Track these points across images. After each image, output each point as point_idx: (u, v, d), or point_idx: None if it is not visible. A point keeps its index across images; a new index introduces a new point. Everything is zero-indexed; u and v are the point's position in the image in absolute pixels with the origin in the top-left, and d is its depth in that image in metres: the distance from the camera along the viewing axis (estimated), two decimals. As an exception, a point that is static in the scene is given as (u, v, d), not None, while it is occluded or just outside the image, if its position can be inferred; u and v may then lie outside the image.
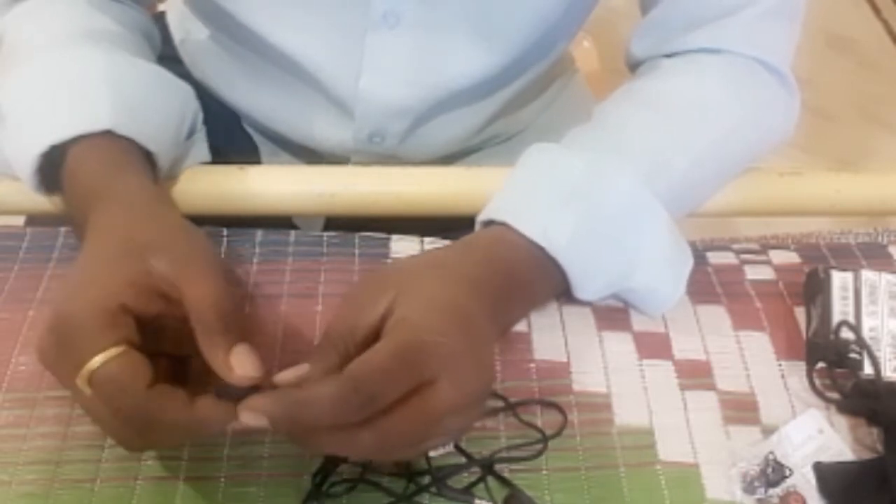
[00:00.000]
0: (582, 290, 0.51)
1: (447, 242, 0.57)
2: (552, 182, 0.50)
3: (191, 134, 0.58)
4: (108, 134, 0.49)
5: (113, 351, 0.38)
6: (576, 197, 0.49)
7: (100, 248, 0.44)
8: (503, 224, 0.49)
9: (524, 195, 0.50)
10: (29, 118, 0.50)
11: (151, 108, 0.52)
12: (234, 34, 0.65)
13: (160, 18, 0.77)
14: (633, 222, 0.50)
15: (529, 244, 0.48)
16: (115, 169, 0.48)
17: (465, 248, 0.48)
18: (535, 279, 0.49)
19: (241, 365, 0.40)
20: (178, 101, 0.56)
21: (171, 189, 0.56)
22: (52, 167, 0.50)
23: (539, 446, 0.47)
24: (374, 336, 0.41)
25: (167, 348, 0.43)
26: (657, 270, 0.51)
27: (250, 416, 0.38)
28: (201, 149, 0.59)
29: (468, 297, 0.43)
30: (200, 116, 0.59)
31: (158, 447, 0.45)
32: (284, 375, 0.40)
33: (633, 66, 0.64)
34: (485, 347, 0.43)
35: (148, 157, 0.51)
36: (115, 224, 0.44)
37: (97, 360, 0.38)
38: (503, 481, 0.46)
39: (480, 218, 0.51)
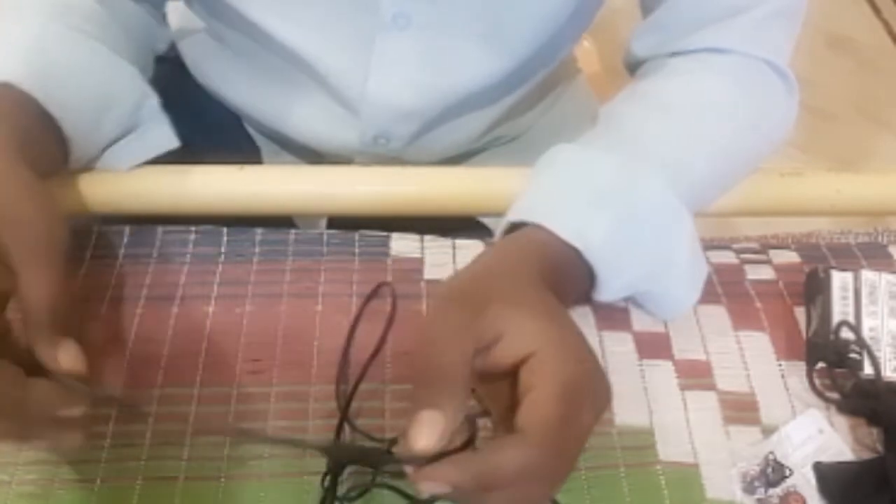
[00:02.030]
0: (605, 291, 0.50)
1: (447, 242, 0.57)
2: (584, 183, 0.49)
3: (135, 119, 0.55)
4: (5, 86, 0.46)
5: None
6: (609, 199, 0.48)
7: None
8: (537, 226, 0.47)
9: (556, 197, 0.49)
10: None
11: (71, 75, 0.50)
12: (241, 33, 0.65)
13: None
14: (662, 225, 0.50)
15: (563, 245, 0.46)
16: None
17: (519, 254, 0.46)
18: (569, 280, 0.48)
19: (66, 360, 0.39)
20: (110, 77, 0.53)
21: (171, 189, 0.56)
22: None
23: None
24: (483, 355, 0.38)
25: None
26: (679, 276, 0.51)
27: (432, 486, 0.36)
28: (159, 136, 0.56)
29: (553, 301, 0.42)
30: (153, 102, 0.56)
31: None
32: (421, 438, 0.36)
33: (633, 66, 0.64)
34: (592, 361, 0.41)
35: (52, 123, 0.48)
36: None
37: None
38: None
39: (510, 218, 0.49)
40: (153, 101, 0.56)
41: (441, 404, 0.36)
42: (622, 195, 0.49)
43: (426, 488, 0.36)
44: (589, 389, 0.38)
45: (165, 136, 0.57)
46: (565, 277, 0.46)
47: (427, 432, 0.35)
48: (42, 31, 0.50)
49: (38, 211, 0.41)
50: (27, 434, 0.40)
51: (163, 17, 0.67)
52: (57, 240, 0.41)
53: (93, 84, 0.52)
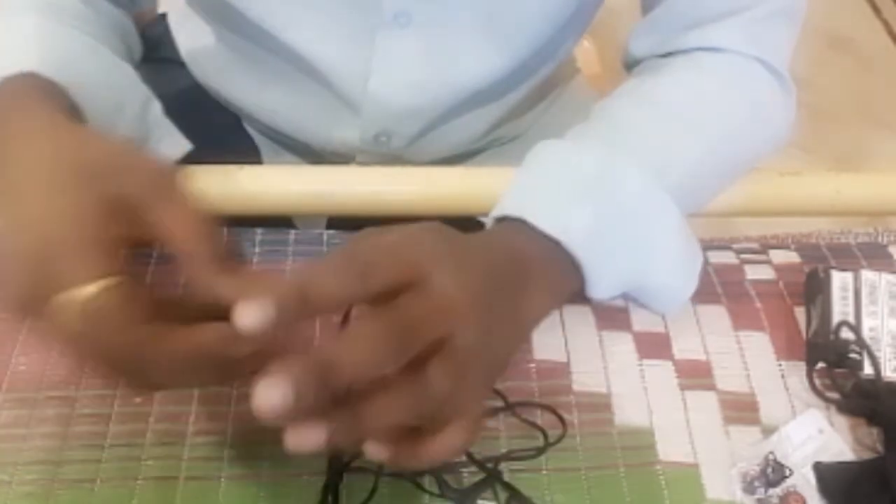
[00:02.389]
0: (596, 286, 0.50)
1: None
2: (567, 178, 0.50)
3: (144, 126, 0.54)
4: (31, 76, 0.45)
5: (111, 280, 0.35)
6: (591, 192, 0.49)
7: (45, 174, 0.38)
8: (518, 220, 0.48)
9: (538, 190, 0.50)
10: None
11: (84, 71, 0.49)
12: (241, 32, 0.64)
13: (161, 20, 0.77)
14: (647, 218, 0.50)
15: (546, 240, 0.47)
16: (38, 99, 0.44)
17: (482, 239, 0.47)
18: (552, 274, 0.48)
19: (252, 291, 0.33)
20: (118, 78, 0.53)
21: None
22: None
23: (539, 444, 0.47)
24: (377, 258, 0.37)
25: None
26: (670, 267, 0.51)
27: (266, 393, 0.32)
28: (173, 143, 0.55)
29: (489, 268, 0.42)
30: (157, 107, 0.55)
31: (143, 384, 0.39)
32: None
33: (631, 65, 0.64)
34: (491, 277, 0.41)
35: (79, 116, 0.47)
36: (48, 149, 0.40)
37: (92, 289, 0.34)
38: (505, 485, 0.46)
39: (493, 214, 0.50)
40: (157, 106, 0.56)
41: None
42: (604, 187, 0.49)
43: (260, 398, 0.32)
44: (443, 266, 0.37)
45: (178, 143, 0.57)
46: (542, 271, 0.47)
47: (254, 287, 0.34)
48: (51, 27, 0.49)
49: (146, 157, 0.40)
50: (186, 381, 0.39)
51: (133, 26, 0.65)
52: (176, 178, 0.40)
53: (105, 85, 0.51)
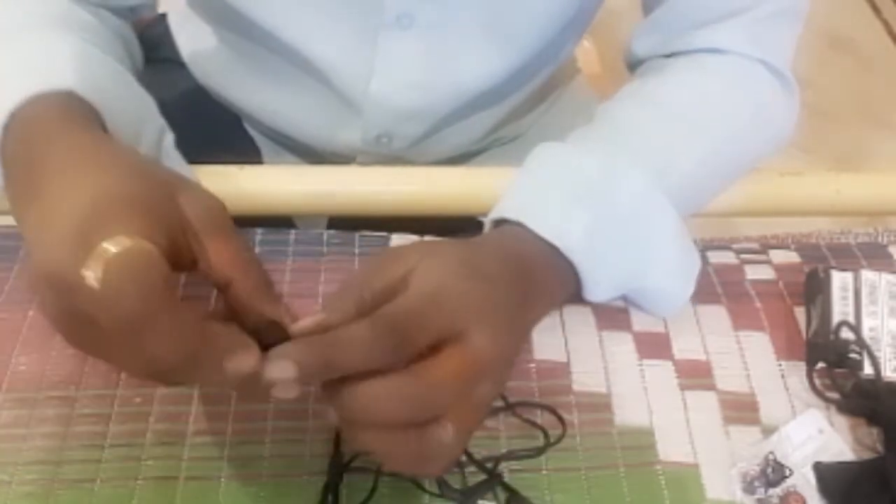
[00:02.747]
0: (593, 290, 0.50)
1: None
2: (564, 181, 0.50)
3: (156, 149, 0.53)
4: (70, 94, 0.44)
5: (138, 241, 0.34)
6: (589, 196, 0.49)
7: (92, 203, 0.36)
8: (515, 223, 0.48)
9: (536, 194, 0.50)
10: None
11: (113, 95, 0.47)
12: (243, 33, 0.64)
13: (161, 20, 0.77)
14: (645, 222, 0.50)
15: (542, 243, 0.47)
16: (83, 120, 0.43)
17: (478, 247, 0.46)
18: (549, 278, 0.48)
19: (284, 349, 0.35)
20: (141, 106, 0.52)
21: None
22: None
23: (539, 444, 0.47)
24: (393, 293, 0.38)
25: None
26: (668, 271, 0.51)
27: (278, 366, 0.34)
28: (183, 171, 0.54)
29: (491, 279, 0.41)
30: (169, 136, 0.53)
31: (157, 370, 0.36)
32: (302, 324, 0.37)
33: (634, 66, 0.64)
34: (511, 310, 0.41)
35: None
36: (120, 157, 0.39)
37: (115, 244, 0.33)
38: (505, 486, 0.46)
39: (491, 216, 0.50)
40: (170, 137, 0.53)
41: (328, 308, 0.38)
42: (603, 192, 0.49)
43: (271, 372, 0.34)
44: (472, 315, 0.37)
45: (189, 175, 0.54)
46: (539, 275, 0.47)
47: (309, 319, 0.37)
48: (84, 49, 0.48)
49: (196, 187, 0.40)
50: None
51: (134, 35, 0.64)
52: (224, 210, 0.40)
53: (130, 113, 0.50)
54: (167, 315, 0.34)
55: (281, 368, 0.34)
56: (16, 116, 0.43)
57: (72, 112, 0.43)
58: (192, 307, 0.36)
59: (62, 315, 0.35)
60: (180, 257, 0.37)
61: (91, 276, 0.33)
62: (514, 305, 0.42)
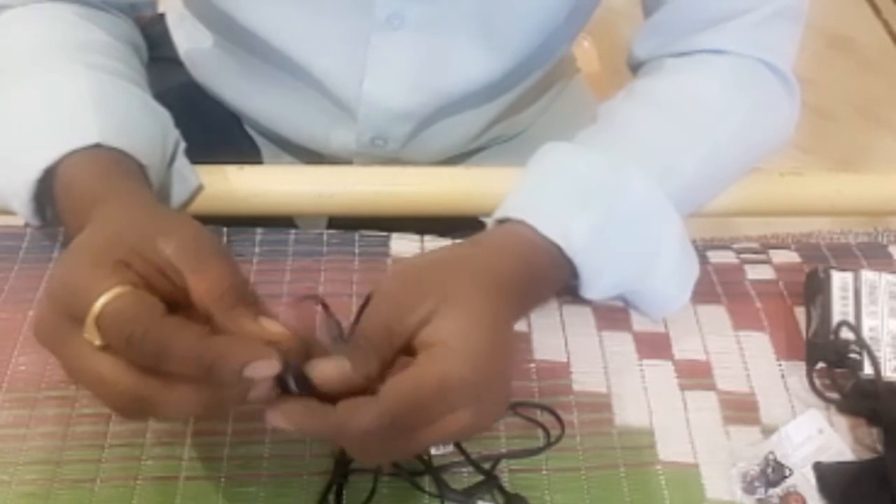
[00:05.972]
0: (590, 289, 0.50)
1: (447, 242, 0.57)
2: (570, 182, 0.50)
3: (172, 161, 0.54)
4: (97, 147, 0.46)
5: (118, 290, 0.36)
6: (594, 197, 0.49)
7: (100, 226, 0.40)
8: (520, 222, 0.48)
9: (542, 194, 0.50)
10: (17, 149, 0.48)
11: (135, 127, 0.50)
12: (235, 36, 0.64)
13: (160, 19, 0.77)
14: (648, 225, 0.50)
15: (547, 243, 0.47)
16: (111, 175, 0.46)
17: (492, 248, 0.47)
18: (550, 277, 0.49)
19: (271, 327, 0.38)
20: (159, 126, 0.53)
21: (171, 189, 0.56)
22: (45, 192, 0.47)
23: (539, 444, 0.47)
24: (410, 338, 0.40)
25: None
26: (666, 275, 0.51)
27: (278, 418, 0.38)
28: (188, 181, 0.55)
29: (504, 306, 0.43)
30: (182, 147, 0.55)
31: (170, 411, 0.38)
32: (324, 370, 0.39)
33: (636, 67, 0.64)
34: (510, 368, 0.44)
35: (140, 169, 0.49)
36: (116, 215, 0.42)
37: (101, 301, 0.35)
38: (501, 488, 0.46)
39: (497, 215, 0.50)
40: (182, 146, 0.55)
41: (352, 360, 0.39)
42: (608, 193, 0.49)
43: (272, 419, 0.38)
44: (471, 401, 0.39)
45: (190, 182, 0.55)
46: (542, 274, 0.48)
47: (332, 366, 0.39)
48: (89, 84, 0.49)
49: (195, 226, 0.41)
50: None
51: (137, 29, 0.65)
52: (212, 240, 0.41)
53: (150, 133, 0.51)
54: (167, 339, 0.35)
55: (280, 421, 0.38)
56: (49, 172, 0.46)
57: (96, 167, 0.46)
58: (189, 323, 0.37)
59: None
60: (173, 297, 0.39)
61: (95, 340, 0.36)
62: (512, 340, 0.45)
